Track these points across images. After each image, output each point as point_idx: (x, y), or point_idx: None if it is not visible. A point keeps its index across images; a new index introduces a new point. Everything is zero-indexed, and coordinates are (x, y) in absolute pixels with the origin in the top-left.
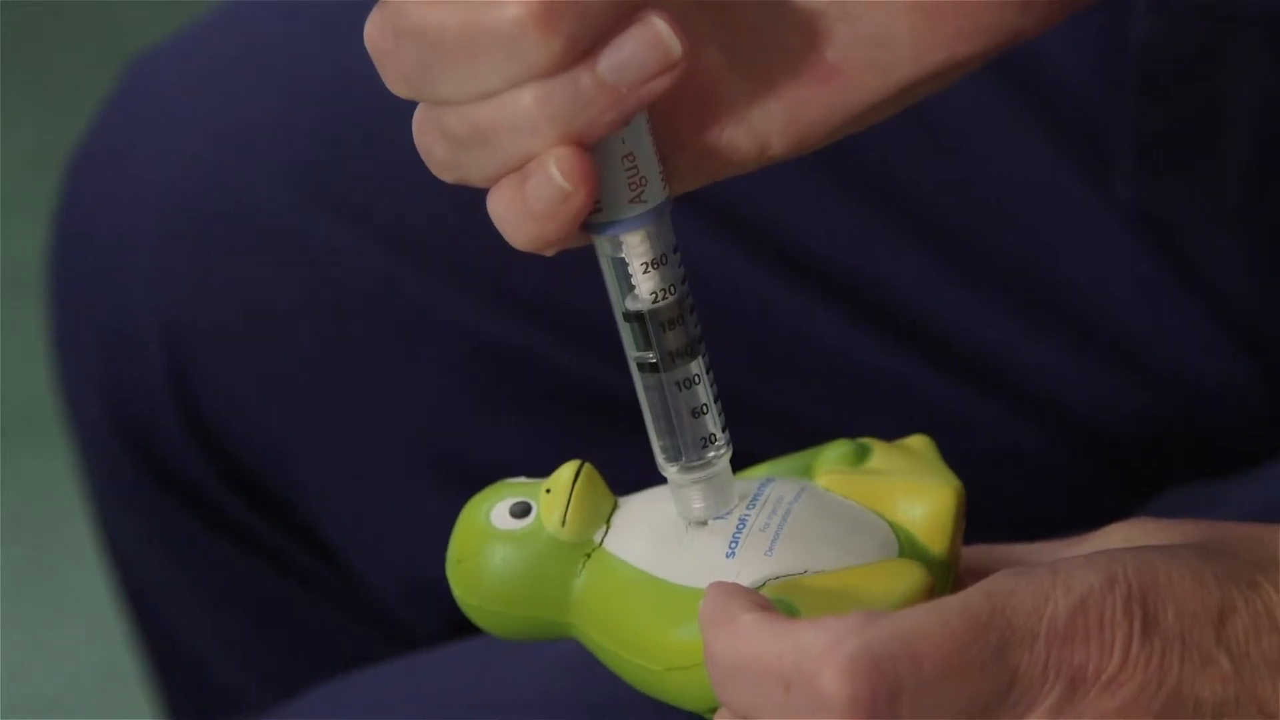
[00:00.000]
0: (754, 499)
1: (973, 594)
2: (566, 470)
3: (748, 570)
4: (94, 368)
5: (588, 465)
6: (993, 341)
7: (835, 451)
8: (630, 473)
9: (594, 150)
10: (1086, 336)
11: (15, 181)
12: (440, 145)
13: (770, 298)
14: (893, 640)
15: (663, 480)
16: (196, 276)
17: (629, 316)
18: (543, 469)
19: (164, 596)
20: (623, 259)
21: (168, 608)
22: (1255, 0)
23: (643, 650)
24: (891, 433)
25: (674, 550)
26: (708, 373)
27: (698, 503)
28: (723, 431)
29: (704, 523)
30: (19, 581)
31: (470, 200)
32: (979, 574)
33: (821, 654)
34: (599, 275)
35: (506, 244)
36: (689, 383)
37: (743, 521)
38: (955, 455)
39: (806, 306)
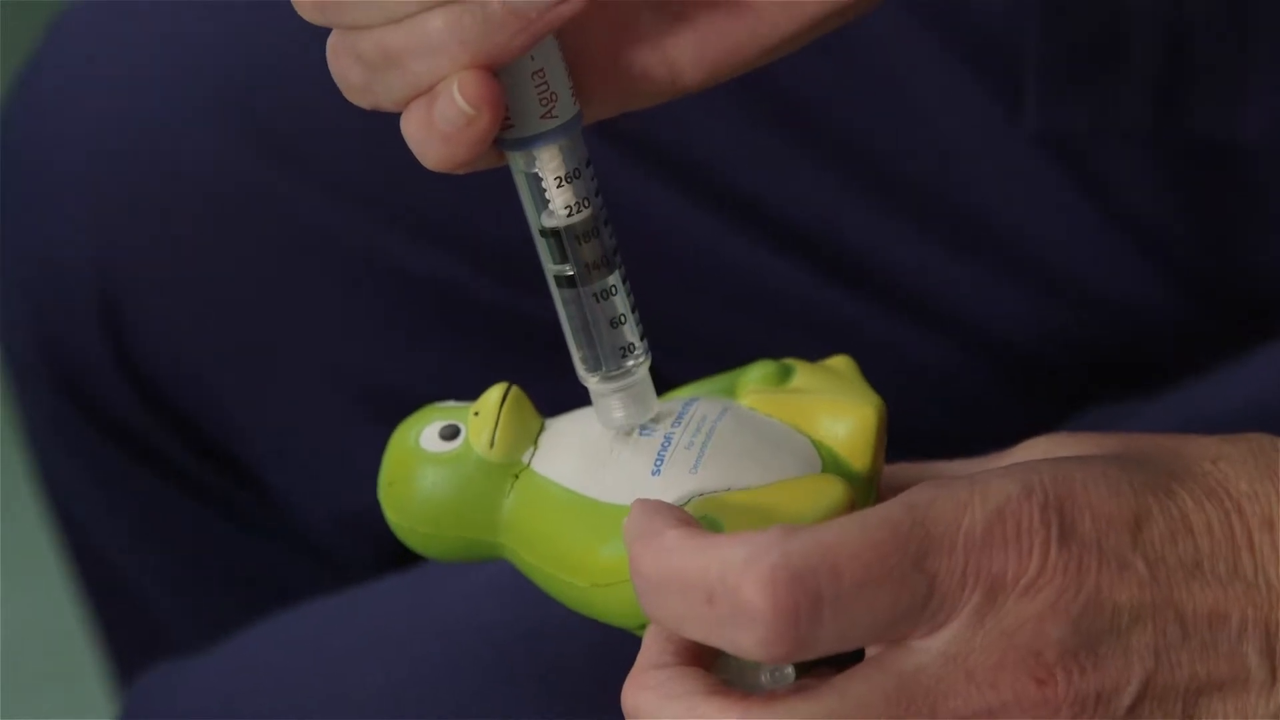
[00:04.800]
0: (679, 418)
1: (891, 505)
2: (494, 393)
3: (673, 487)
4: (28, 310)
5: (515, 388)
6: (908, 263)
7: (759, 371)
8: (555, 396)
9: (504, 69)
10: (1001, 257)
11: None
12: (354, 70)
13: (688, 224)
14: (812, 552)
15: (588, 402)
16: (127, 218)
17: (545, 232)
18: (470, 395)
19: (101, 535)
20: (536, 174)
21: (105, 546)
22: None
23: (571, 567)
24: (813, 354)
25: (600, 469)
26: (624, 283)
27: (618, 412)
28: (641, 341)
29: (627, 432)
30: None
31: (391, 137)
32: (901, 490)
33: (743, 567)
34: (517, 203)
35: (427, 177)
36: (606, 294)
37: (668, 440)
38: (876, 376)
39: (722, 231)
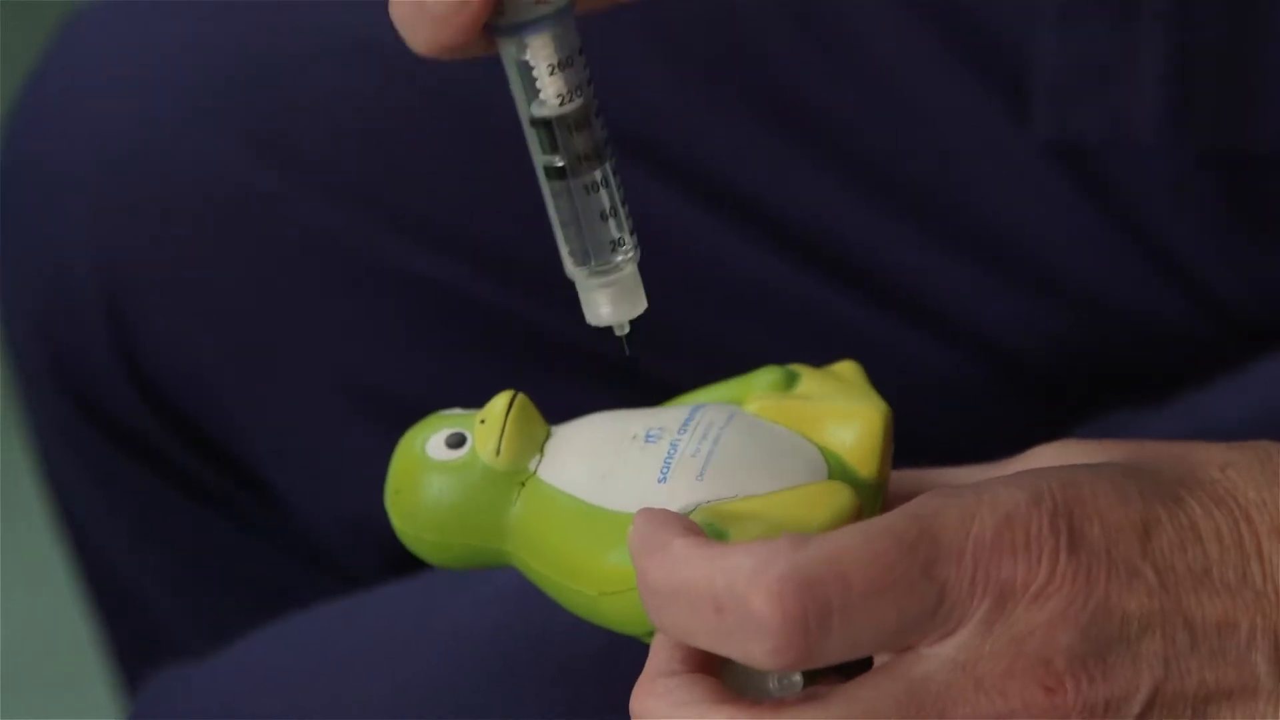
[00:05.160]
0: (684, 425)
1: (899, 514)
2: (500, 400)
3: (678, 496)
4: (35, 312)
5: (521, 395)
6: (909, 266)
7: (765, 378)
8: (560, 403)
9: None
10: (1007, 263)
11: None
12: None
13: (687, 224)
14: (821, 561)
15: (593, 409)
16: (130, 220)
17: (535, 122)
18: (475, 403)
19: (106, 538)
20: (528, 62)
21: (110, 549)
22: None
23: (577, 575)
24: (813, 357)
25: (606, 477)
26: (615, 176)
27: (605, 308)
28: (630, 236)
29: (614, 328)
30: None
31: (396, 141)
32: (907, 497)
33: (751, 577)
34: (521, 205)
35: (431, 180)
36: (596, 186)
37: (674, 447)
38: (878, 380)
39: (726, 235)
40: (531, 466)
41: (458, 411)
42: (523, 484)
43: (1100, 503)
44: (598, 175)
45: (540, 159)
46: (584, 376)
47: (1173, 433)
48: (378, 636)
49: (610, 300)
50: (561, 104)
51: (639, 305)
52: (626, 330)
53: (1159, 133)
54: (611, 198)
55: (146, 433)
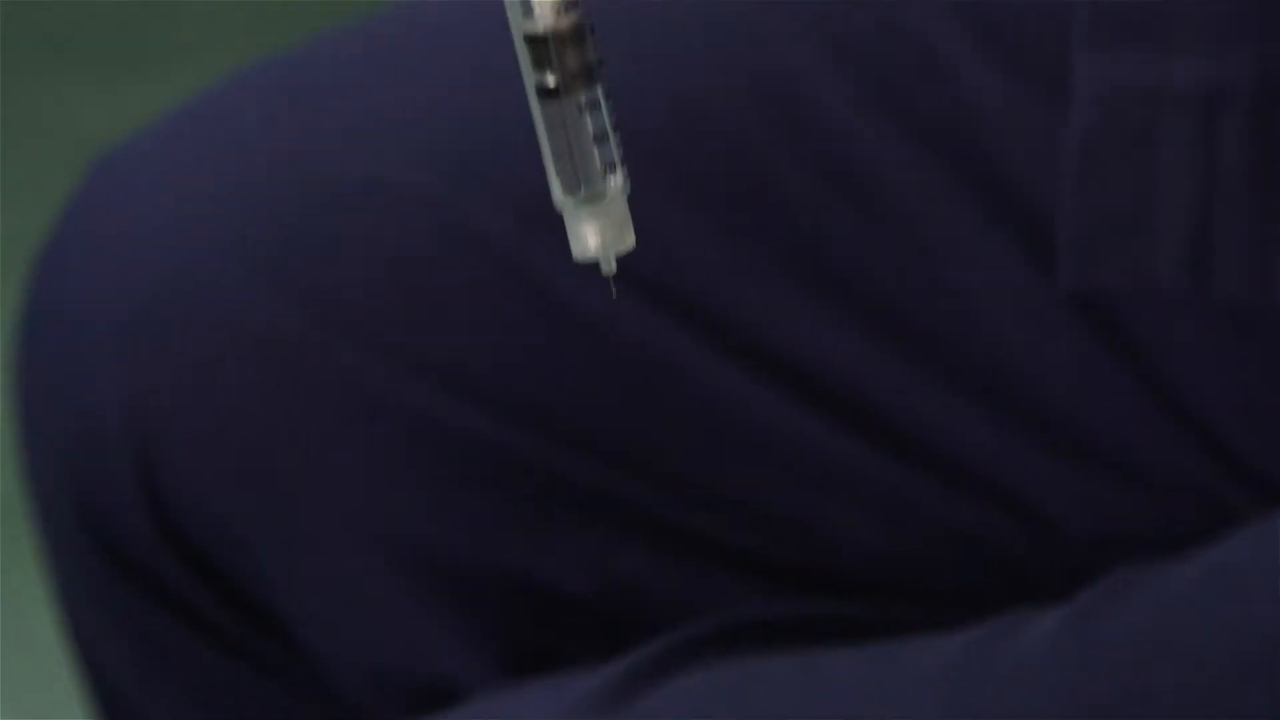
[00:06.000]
0: None
1: None
2: None
3: None
4: (61, 456)
5: None
6: (929, 417)
7: None
8: (591, 551)
9: None
10: (1033, 421)
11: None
12: None
13: (703, 373)
14: None
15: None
16: (161, 365)
17: (529, 39)
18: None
19: (129, 687)
20: None
21: (132, 698)
22: (1190, 88)
23: None
24: (830, 508)
25: None
26: (607, 100)
27: (593, 238)
28: (621, 165)
29: (600, 264)
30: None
31: (427, 289)
32: None
33: None
34: (559, 359)
35: (469, 329)
36: (587, 107)
37: None
38: (893, 533)
39: (750, 385)
40: None
41: None
42: None
43: None
44: (591, 95)
45: (532, 78)
46: (616, 526)
47: (1194, 579)
48: None
49: (600, 230)
50: (555, 17)
51: (628, 240)
52: (613, 269)
53: (1179, 284)
54: (602, 122)
55: (171, 579)
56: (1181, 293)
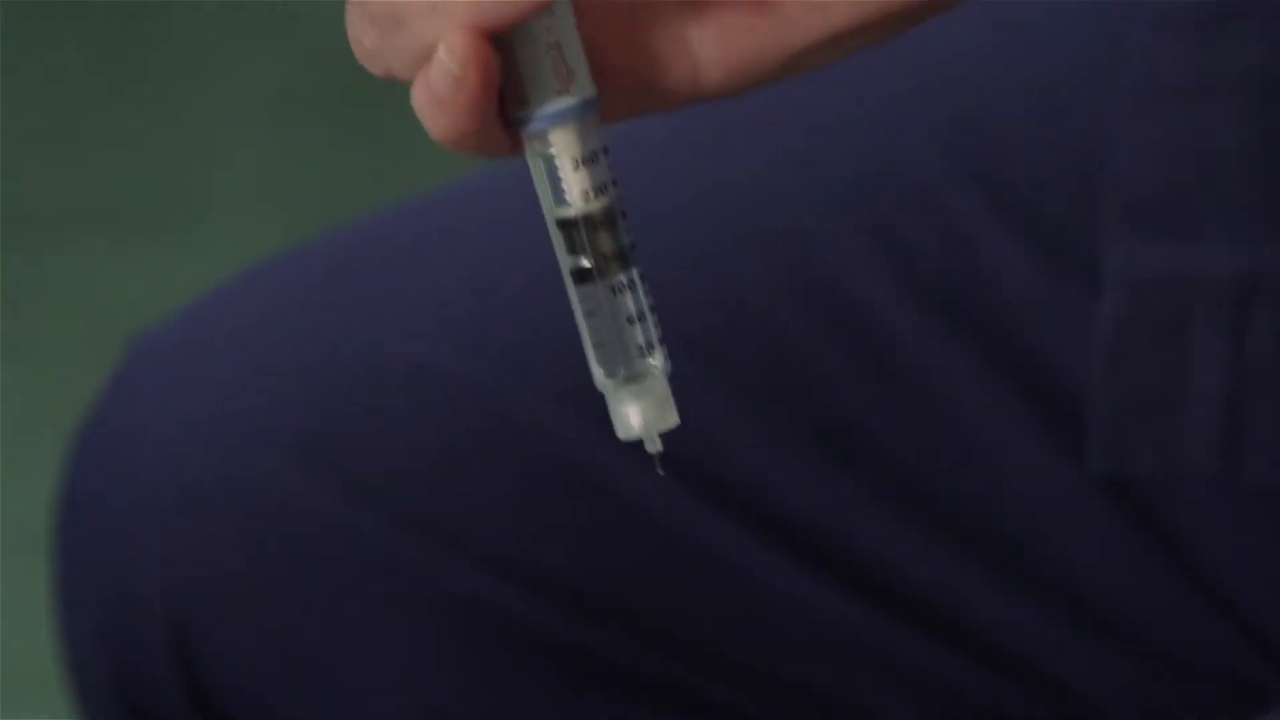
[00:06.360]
0: None
1: None
2: None
3: None
4: (97, 633)
5: None
6: (957, 596)
7: None
8: None
9: (519, 41)
10: (1063, 600)
11: (15, 446)
12: (367, 34)
13: (751, 563)
14: None
15: None
16: (199, 544)
17: (561, 223)
18: None
19: None
20: (552, 156)
21: None
22: (1222, 276)
23: None
24: (852, 685)
25: None
26: (642, 281)
27: (636, 418)
28: (660, 344)
29: (645, 444)
30: None
31: (459, 467)
32: None
33: None
34: (592, 539)
35: (499, 509)
36: (624, 288)
37: None
38: (920, 709)
39: (781, 569)
40: None
41: None
42: None
43: None
44: (625, 277)
45: (566, 262)
46: (649, 703)
47: None
48: None
49: (642, 411)
50: (586, 202)
51: (671, 417)
52: (659, 448)
53: (1210, 469)
54: (640, 303)
55: None
56: (1212, 477)
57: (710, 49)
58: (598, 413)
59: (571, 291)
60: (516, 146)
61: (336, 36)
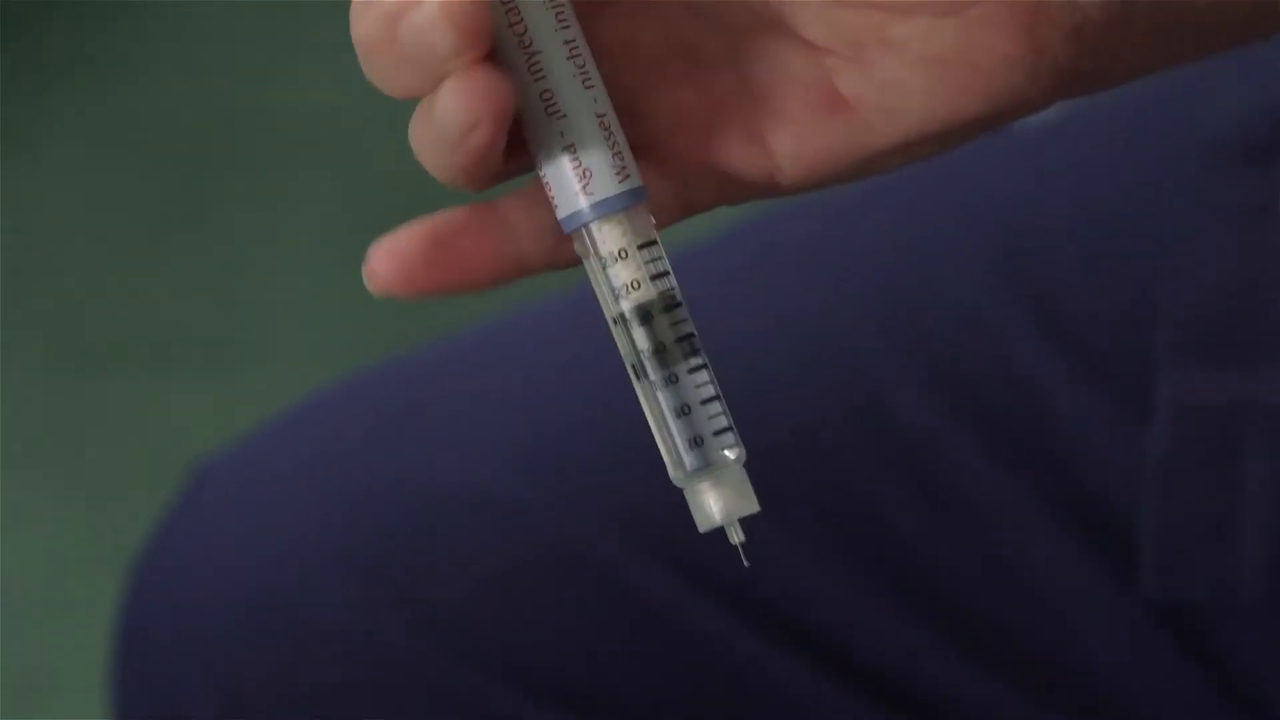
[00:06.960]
0: None
1: None
2: None
3: None
4: None
5: None
6: None
7: None
8: None
9: (542, 154)
10: None
11: (66, 579)
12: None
13: (802, 692)
14: None
15: None
16: (257, 679)
17: (619, 319)
18: None
19: None
20: (600, 247)
21: None
22: (1274, 400)
23: None
24: None
25: None
26: (707, 368)
27: (716, 506)
28: (733, 431)
29: (728, 533)
30: None
31: (515, 597)
32: None
33: None
34: (649, 670)
35: (561, 641)
36: (688, 374)
37: None
38: None
39: (832, 699)
40: None
41: None
42: None
43: None
44: (691, 364)
45: (629, 359)
46: None
47: None
48: None
49: (721, 499)
50: (637, 288)
51: (751, 504)
52: (741, 537)
53: (1263, 596)
54: (707, 388)
55: None
56: (1265, 605)
57: (787, 147)
58: (659, 544)
59: (639, 390)
60: (570, 255)
61: (397, 168)
